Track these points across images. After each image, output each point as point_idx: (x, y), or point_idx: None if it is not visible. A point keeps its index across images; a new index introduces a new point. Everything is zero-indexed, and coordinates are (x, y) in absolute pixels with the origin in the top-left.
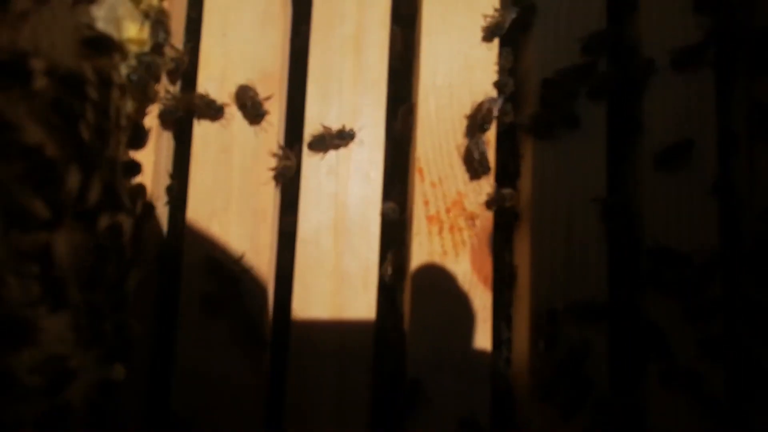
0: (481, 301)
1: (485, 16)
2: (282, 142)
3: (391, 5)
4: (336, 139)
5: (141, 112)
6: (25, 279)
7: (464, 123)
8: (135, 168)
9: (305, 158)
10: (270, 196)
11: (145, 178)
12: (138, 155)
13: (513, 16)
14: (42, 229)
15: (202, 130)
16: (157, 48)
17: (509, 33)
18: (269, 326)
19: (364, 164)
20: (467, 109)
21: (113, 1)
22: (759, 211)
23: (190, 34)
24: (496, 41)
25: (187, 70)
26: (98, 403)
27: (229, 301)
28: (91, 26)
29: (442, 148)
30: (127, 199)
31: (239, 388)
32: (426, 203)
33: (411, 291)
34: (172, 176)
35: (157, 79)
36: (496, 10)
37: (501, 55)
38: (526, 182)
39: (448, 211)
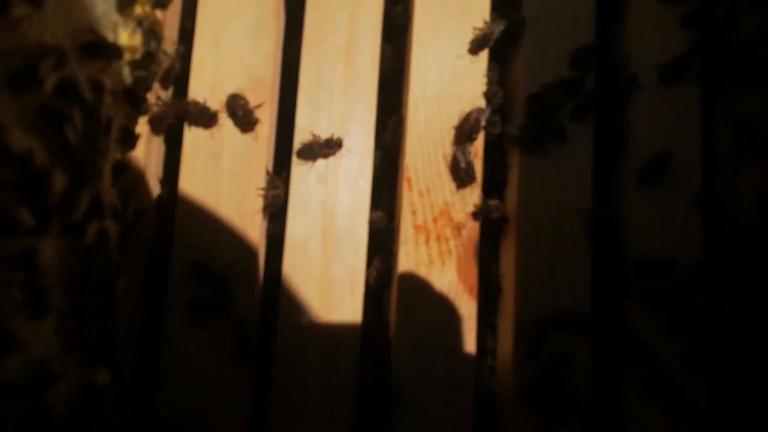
0: (467, 311)
1: (475, 29)
2: (272, 149)
3: (383, 15)
4: (324, 147)
5: (132, 119)
6: (8, 286)
7: (452, 133)
8: (124, 168)
9: (294, 166)
10: (259, 203)
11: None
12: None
13: (502, 28)
14: (27, 236)
15: (192, 136)
16: (149, 57)
17: (499, 45)
18: (256, 333)
19: (353, 172)
20: (456, 120)
21: (106, 7)
22: (742, 225)
23: (182, 40)
24: (485, 53)
25: (178, 76)
26: (82, 408)
27: (217, 307)
28: (92, 31)
29: (431, 157)
30: (117, 203)
31: (225, 394)
32: (414, 212)
33: (397, 299)
34: (162, 181)
35: (149, 89)
36: (486, 22)
37: (489, 68)
38: (512, 193)
39: (435, 220)
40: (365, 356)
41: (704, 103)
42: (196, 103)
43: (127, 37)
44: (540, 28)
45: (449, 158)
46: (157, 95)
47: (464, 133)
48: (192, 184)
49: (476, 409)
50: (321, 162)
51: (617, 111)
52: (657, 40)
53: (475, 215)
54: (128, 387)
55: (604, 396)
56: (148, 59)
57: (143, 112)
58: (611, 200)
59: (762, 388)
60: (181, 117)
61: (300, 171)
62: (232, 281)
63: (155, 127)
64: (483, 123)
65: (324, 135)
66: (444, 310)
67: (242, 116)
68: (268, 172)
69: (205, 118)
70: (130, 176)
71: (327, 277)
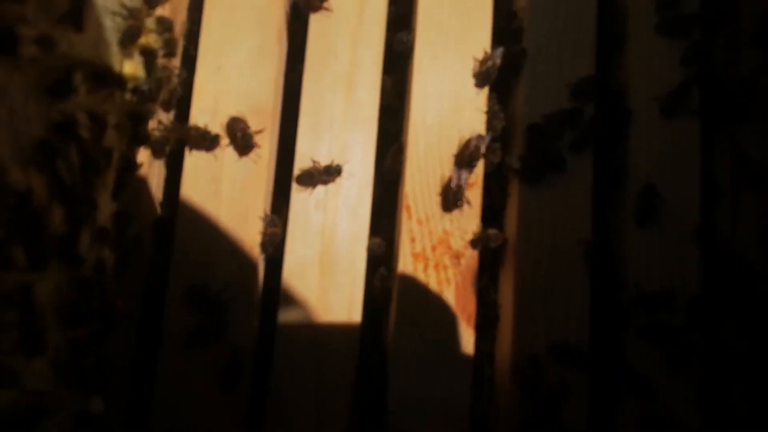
0: (464, 340)
1: (476, 59)
2: (272, 174)
3: (384, 44)
4: (324, 174)
5: (133, 147)
6: (4, 325)
7: (452, 161)
8: (123, 193)
9: (294, 192)
10: (257, 229)
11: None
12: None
13: (502, 59)
14: (24, 272)
15: (192, 160)
16: (152, 86)
17: (499, 74)
18: (252, 360)
19: (352, 199)
20: (455, 149)
21: (110, 36)
22: (740, 260)
23: (184, 64)
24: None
25: (180, 100)
26: None
27: (213, 333)
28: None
29: (430, 186)
30: (114, 229)
31: (218, 420)
32: (412, 240)
33: (394, 327)
34: (162, 204)
35: (150, 118)
36: (486, 52)
37: (490, 97)
38: (511, 222)
39: (434, 249)
40: (361, 384)
41: (704, 136)
42: (197, 128)
43: (131, 66)
44: (540, 59)
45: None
46: (159, 119)
47: (464, 160)
48: (192, 208)
49: None
50: (320, 188)
51: (616, 142)
52: (657, 72)
53: (474, 243)
54: (122, 412)
55: (600, 428)
56: (150, 88)
57: (144, 140)
58: (610, 230)
59: (758, 423)
60: (182, 141)
61: (299, 197)
62: (228, 306)
63: (156, 150)
64: (483, 150)
65: (324, 161)
66: (441, 339)
67: (241, 139)
68: (266, 213)
69: (207, 141)
70: (129, 202)
71: (324, 303)
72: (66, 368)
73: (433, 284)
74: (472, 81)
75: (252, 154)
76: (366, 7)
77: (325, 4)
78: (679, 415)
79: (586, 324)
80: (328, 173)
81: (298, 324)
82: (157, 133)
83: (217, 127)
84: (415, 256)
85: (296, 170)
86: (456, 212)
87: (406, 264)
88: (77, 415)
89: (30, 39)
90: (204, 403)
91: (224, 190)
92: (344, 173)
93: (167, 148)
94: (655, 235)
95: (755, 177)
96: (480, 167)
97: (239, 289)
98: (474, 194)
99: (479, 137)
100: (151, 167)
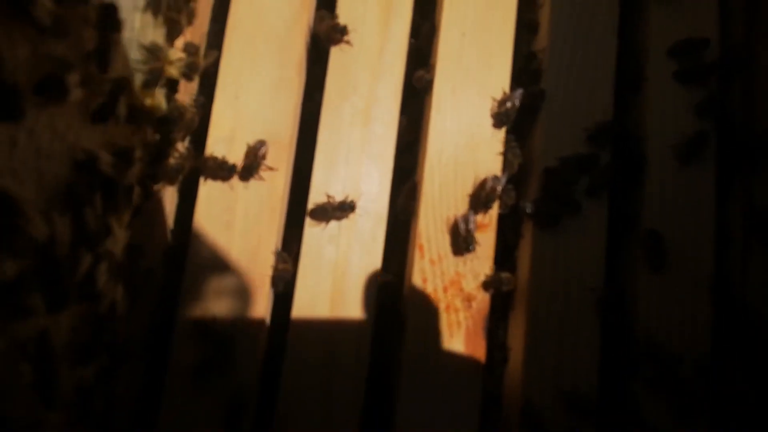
0: (472, 383)
1: (494, 99)
2: (285, 206)
3: (404, 79)
4: (338, 210)
5: (151, 178)
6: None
7: (467, 201)
8: (136, 223)
9: (307, 227)
10: (268, 262)
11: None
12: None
13: (520, 100)
14: (40, 318)
15: (207, 189)
16: (173, 116)
17: (517, 114)
18: (256, 398)
19: (365, 235)
20: (470, 188)
21: (134, 69)
22: (750, 313)
23: (202, 91)
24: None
25: (196, 128)
26: None
27: (219, 367)
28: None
29: (444, 225)
30: (127, 262)
31: None
32: (424, 280)
33: (403, 368)
34: (173, 232)
35: (172, 147)
36: (504, 92)
37: (506, 137)
38: (524, 264)
39: (445, 290)
40: (368, 424)
41: (718, 184)
42: (214, 158)
43: (151, 97)
44: (558, 101)
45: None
46: (174, 147)
47: (479, 201)
48: (204, 238)
49: None
50: (334, 223)
51: (631, 188)
52: (673, 116)
53: (486, 286)
54: None
55: None
56: (172, 119)
57: (164, 175)
58: (623, 276)
59: None
60: (196, 170)
61: (313, 232)
62: (236, 341)
63: (170, 178)
64: (498, 192)
65: (339, 196)
66: (449, 381)
67: (254, 164)
68: (277, 249)
69: (224, 171)
70: (141, 229)
71: (334, 338)
72: (73, 410)
73: (443, 326)
74: (489, 120)
75: (266, 185)
76: (387, 42)
77: (346, 38)
78: None
79: (595, 372)
80: (342, 209)
81: (307, 360)
82: (172, 161)
83: (233, 156)
84: (427, 296)
85: (310, 204)
86: (453, 250)
87: (416, 304)
88: None
89: (75, 83)
90: None
91: (237, 221)
92: (358, 209)
93: (181, 176)
94: (667, 282)
95: (766, 228)
96: (494, 207)
97: (247, 324)
98: (487, 236)
99: (495, 178)
100: (164, 194)
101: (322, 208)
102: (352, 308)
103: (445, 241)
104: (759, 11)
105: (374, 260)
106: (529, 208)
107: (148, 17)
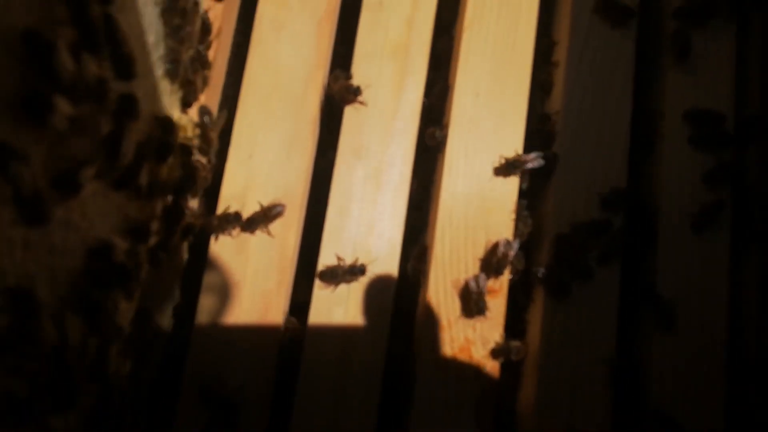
0: None
1: (507, 159)
2: (295, 263)
3: (417, 140)
4: (348, 273)
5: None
6: None
7: (478, 265)
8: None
9: (316, 289)
10: (278, 322)
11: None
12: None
13: (534, 164)
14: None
15: (217, 248)
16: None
17: (530, 177)
18: None
19: (374, 299)
20: (481, 250)
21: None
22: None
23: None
24: (515, 184)
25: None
26: None
27: (225, 429)
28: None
29: (454, 289)
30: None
31: None
32: (434, 346)
33: None
34: (182, 288)
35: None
36: (518, 153)
37: (518, 206)
38: (534, 331)
39: (455, 357)
40: None
41: (733, 250)
42: (226, 216)
43: (167, 166)
44: (571, 164)
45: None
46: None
47: (491, 266)
48: (212, 297)
49: None
50: (343, 286)
51: (644, 254)
52: (689, 179)
53: (495, 354)
54: None
55: None
56: (186, 183)
57: (176, 242)
58: (635, 344)
59: None
60: (207, 229)
61: (322, 294)
62: (242, 405)
63: (182, 237)
64: (511, 257)
65: (349, 257)
66: None
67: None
68: (286, 316)
69: (232, 224)
70: (149, 286)
71: (341, 404)
72: None
73: (451, 395)
74: (502, 183)
75: (277, 245)
76: (401, 103)
77: (360, 98)
78: None
79: None
80: (352, 272)
81: (313, 425)
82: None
83: (245, 213)
84: (436, 362)
85: (320, 266)
86: (479, 319)
87: (425, 370)
88: None
89: (90, 177)
90: None
91: (247, 280)
92: (368, 272)
93: (192, 234)
94: (680, 349)
95: None
96: (504, 273)
97: (253, 387)
98: (498, 302)
99: (507, 243)
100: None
101: (332, 271)
102: (360, 373)
103: (455, 305)
104: None
105: (383, 325)
106: (541, 273)
107: (165, 84)
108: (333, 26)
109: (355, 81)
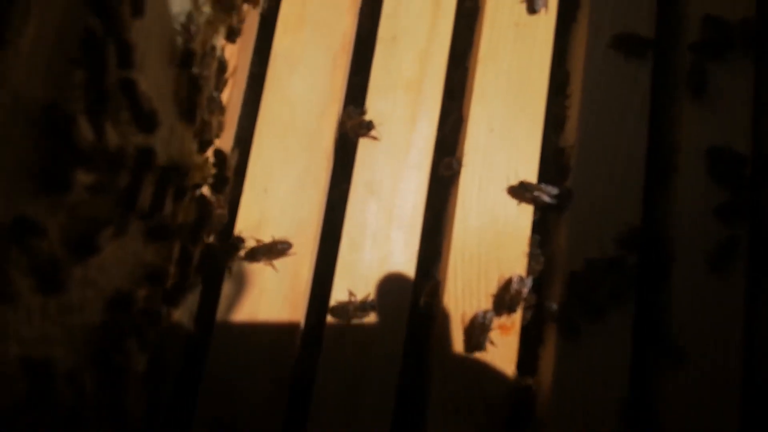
0: None
1: (523, 181)
2: (306, 301)
3: (430, 173)
4: (359, 310)
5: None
6: None
7: (490, 300)
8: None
9: (328, 322)
10: (290, 355)
11: None
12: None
13: (548, 199)
14: None
15: (229, 286)
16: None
17: (542, 212)
18: None
19: (385, 336)
20: (494, 285)
21: None
22: None
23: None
24: (529, 218)
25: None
26: None
27: None
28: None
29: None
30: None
31: None
32: (445, 384)
33: None
34: (197, 320)
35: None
36: (534, 190)
37: (531, 242)
38: (546, 370)
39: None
40: None
41: (748, 287)
42: (232, 244)
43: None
44: (586, 199)
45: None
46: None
47: (503, 303)
48: (227, 331)
49: None
50: (355, 320)
51: (658, 291)
52: (703, 219)
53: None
54: None
55: None
56: (201, 223)
57: (191, 283)
58: (649, 382)
59: None
60: (223, 263)
61: (332, 330)
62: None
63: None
64: (524, 295)
65: (361, 292)
66: None
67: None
68: (298, 347)
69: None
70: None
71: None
72: None
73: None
74: (515, 217)
75: (289, 279)
76: (414, 137)
77: (373, 133)
78: None
79: None
80: (363, 309)
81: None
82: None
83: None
84: (447, 399)
85: (332, 301)
86: (491, 356)
87: (436, 406)
88: None
89: (108, 238)
90: None
91: (260, 313)
92: (380, 307)
93: (206, 268)
94: (694, 387)
95: None
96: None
97: (265, 421)
98: (510, 339)
99: (521, 280)
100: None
101: (343, 307)
102: (370, 413)
103: None
104: None
105: (394, 363)
106: (553, 310)
107: (182, 128)
108: (347, 60)
109: (369, 115)
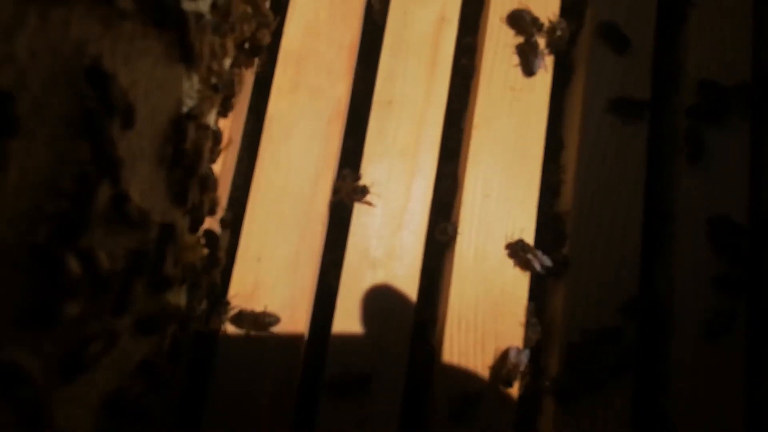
0: None
1: (518, 258)
2: (300, 369)
3: (426, 238)
4: (356, 383)
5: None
6: None
7: (487, 372)
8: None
9: (323, 400)
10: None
11: None
12: None
13: (539, 269)
14: None
15: (224, 354)
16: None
17: (539, 277)
18: None
19: (384, 402)
20: (491, 357)
21: None
22: None
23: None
24: (525, 286)
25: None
26: None
27: None
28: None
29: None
30: None
31: None
32: None
33: None
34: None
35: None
36: (530, 252)
37: (527, 311)
38: None
39: None
40: None
41: (748, 358)
42: (219, 307)
43: (174, 296)
44: (582, 267)
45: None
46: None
47: (500, 376)
48: (221, 402)
49: None
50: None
51: (656, 360)
52: (702, 286)
53: None
54: None
55: None
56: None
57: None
58: None
59: None
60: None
61: (328, 406)
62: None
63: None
64: (522, 368)
65: (356, 363)
66: None
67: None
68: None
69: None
70: None
71: None
72: None
73: None
74: (512, 287)
75: (282, 354)
76: (410, 201)
77: (368, 198)
78: None
79: None
80: (360, 382)
81: None
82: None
83: (253, 318)
84: None
85: (327, 374)
86: (490, 419)
87: None
88: None
89: (98, 350)
90: None
91: (254, 383)
92: (376, 378)
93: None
94: None
95: None
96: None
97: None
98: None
99: (517, 352)
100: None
101: (339, 381)
102: None
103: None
104: None
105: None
106: (549, 383)
107: (174, 211)
108: (342, 125)
109: (365, 180)
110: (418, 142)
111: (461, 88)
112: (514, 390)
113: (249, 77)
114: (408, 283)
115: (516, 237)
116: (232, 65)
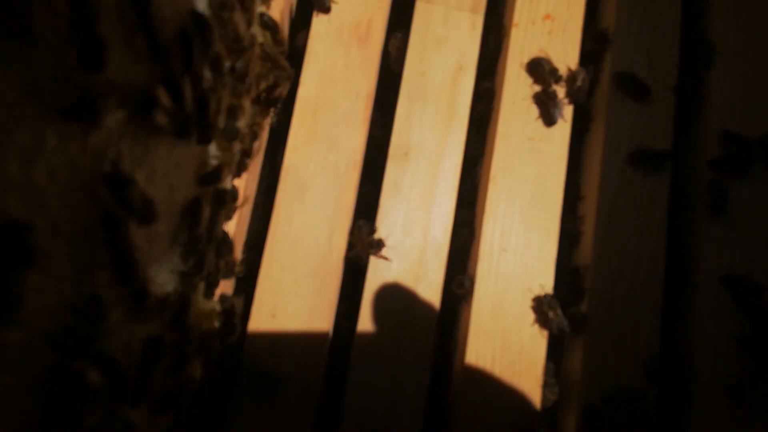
0: None
1: (540, 314)
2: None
3: (442, 291)
4: None
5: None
6: None
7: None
8: None
9: None
10: None
11: None
12: None
13: (555, 331)
14: None
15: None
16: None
17: (559, 333)
18: None
19: None
20: (509, 417)
21: None
22: None
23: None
24: (543, 342)
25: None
26: None
27: None
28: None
29: None
30: None
31: None
32: None
33: None
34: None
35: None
36: (552, 310)
37: (545, 371)
38: None
39: None
40: None
41: None
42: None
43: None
44: (601, 323)
45: None
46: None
47: None
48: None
49: None
50: None
51: (678, 422)
52: (724, 350)
53: None
54: None
55: None
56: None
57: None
58: None
59: None
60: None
61: None
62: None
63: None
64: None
65: (373, 420)
66: None
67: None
68: None
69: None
70: None
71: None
72: None
73: None
74: (530, 343)
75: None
76: (426, 252)
77: (384, 252)
78: None
79: None
80: None
81: None
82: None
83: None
84: None
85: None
86: None
87: None
88: None
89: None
90: None
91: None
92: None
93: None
94: None
95: None
96: None
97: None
98: None
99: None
100: None
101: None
102: None
103: None
104: None
105: None
106: None
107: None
108: (358, 175)
109: (380, 232)
110: (434, 193)
111: (476, 137)
112: None
113: (264, 127)
114: (424, 335)
115: (534, 292)
116: (250, 124)
